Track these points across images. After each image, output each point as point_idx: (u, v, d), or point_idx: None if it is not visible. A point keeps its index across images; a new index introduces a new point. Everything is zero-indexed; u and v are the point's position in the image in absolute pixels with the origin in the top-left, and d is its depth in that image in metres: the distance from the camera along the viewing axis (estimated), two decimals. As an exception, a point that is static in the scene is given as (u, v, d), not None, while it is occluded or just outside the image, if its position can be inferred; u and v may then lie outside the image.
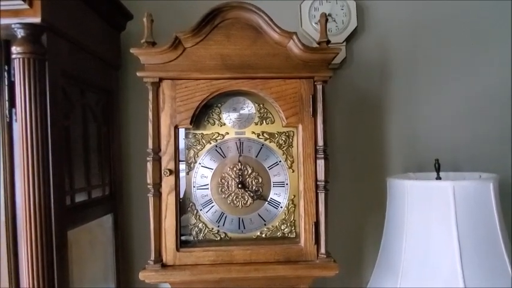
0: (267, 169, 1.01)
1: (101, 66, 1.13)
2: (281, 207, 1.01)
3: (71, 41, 0.94)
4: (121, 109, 1.28)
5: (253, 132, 1.01)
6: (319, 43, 0.98)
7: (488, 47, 1.32)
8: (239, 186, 0.99)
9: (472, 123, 1.32)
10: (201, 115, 0.99)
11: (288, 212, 1.01)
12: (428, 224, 0.99)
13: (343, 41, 1.28)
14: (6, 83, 0.82)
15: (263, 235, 1.00)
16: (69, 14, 0.93)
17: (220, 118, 1.01)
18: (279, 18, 0.96)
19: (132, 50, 0.91)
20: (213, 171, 1.00)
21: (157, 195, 0.94)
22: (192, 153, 1.00)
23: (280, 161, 1.01)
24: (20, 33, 0.81)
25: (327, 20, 0.99)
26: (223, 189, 1.00)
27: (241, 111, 1.01)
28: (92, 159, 1.08)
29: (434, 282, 0.96)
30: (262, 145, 1.01)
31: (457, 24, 1.32)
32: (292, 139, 1.01)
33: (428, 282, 0.97)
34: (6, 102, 0.82)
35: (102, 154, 1.15)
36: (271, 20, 0.93)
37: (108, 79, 1.18)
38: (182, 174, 0.99)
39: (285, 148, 1.01)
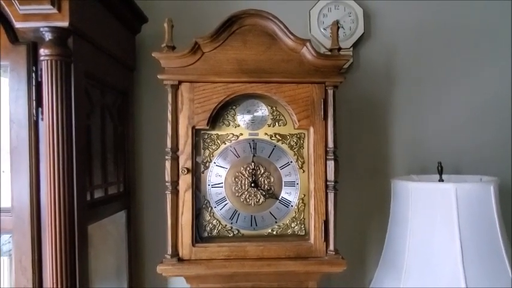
0: (279, 169, 1.04)
1: (117, 68, 1.16)
2: (292, 205, 1.04)
3: (93, 43, 0.97)
4: (135, 109, 1.31)
5: (266, 134, 1.04)
6: (330, 50, 1.01)
7: (490, 54, 1.36)
8: (252, 185, 1.03)
9: (474, 128, 1.36)
10: (217, 117, 1.02)
11: (298, 210, 1.04)
12: (431, 224, 1.02)
13: (351, 47, 1.32)
14: (33, 83, 0.86)
15: (274, 232, 1.04)
16: (92, 18, 0.96)
17: (235, 120, 1.04)
18: (289, 24, 0.98)
19: (153, 54, 0.95)
20: (227, 170, 1.04)
21: (175, 192, 0.97)
22: (207, 152, 1.04)
23: (291, 162, 1.04)
24: (48, 36, 0.85)
25: (338, 28, 1.02)
26: (236, 188, 1.04)
27: (255, 114, 1.04)
28: (108, 157, 1.12)
29: (436, 282, 0.98)
30: (275, 146, 1.04)
31: (461, 31, 1.36)
32: (303, 141, 1.04)
33: (430, 282, 0.99)
34: (34, 102, 0.85)
35: (118, 152, 1.19)
36: (286, 27, 0.97)
37: (124, 80, 1.21)
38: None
39: (296, 149, 1.04)
